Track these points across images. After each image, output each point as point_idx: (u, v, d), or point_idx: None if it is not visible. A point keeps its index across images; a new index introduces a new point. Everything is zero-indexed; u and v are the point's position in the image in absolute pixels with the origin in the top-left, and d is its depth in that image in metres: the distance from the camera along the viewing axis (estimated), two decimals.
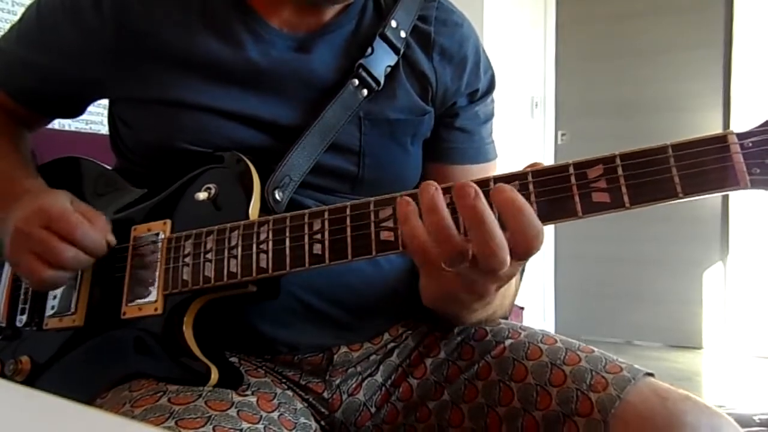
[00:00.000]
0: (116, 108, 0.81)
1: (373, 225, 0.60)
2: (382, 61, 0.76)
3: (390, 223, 0.59)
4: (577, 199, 0.54)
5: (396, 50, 0.77)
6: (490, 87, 0.86)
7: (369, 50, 0.75)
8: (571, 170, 0.54)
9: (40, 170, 0.86)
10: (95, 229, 0.69)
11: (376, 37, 0.76)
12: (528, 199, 0.54)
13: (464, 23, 0.84)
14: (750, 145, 0.51)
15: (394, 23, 0.77)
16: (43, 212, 0.68)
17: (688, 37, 3.63)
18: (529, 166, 0.57)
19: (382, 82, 0.76)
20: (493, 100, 0.87)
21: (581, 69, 3.93)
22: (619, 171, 0.53)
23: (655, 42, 3.71)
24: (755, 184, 0.50)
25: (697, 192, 0.51)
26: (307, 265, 0.61)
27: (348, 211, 0.61)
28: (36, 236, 0.67)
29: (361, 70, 0.75)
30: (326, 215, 0.62)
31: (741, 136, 0.51)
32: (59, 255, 0.67)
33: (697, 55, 3.61)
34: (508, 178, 0.56)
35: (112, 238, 0.71)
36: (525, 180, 0.55)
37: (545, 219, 0.54)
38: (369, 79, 0.75)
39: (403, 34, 0.78)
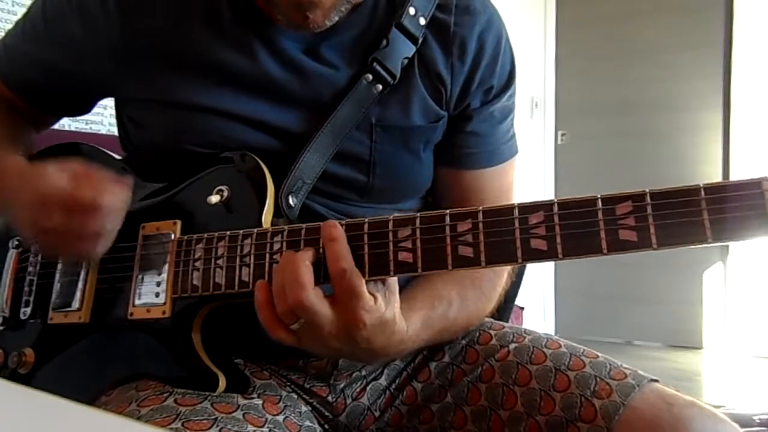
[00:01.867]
0: (125, 108, 0.80)
1: (391, 244, 0.58)
2: (398, 53, 0.72)
3: (408, 244, 0.57)
4: (603, 234, 0.52)
5: (414, 40, 0.73)
6: (508, 83, 0.80)
7: (384, 42, 0.72)
8: (599, 205, 0.53)
9: (44, 153, 0.83)
10: (114, 188, 0.65)
11: (392, 27, 0.72)
12: (552, 231, 0.53)
13: (486, 10, 0.78)
14: None
15: (412, 10, 0.73)
16: (53, 195, 0.63)
17: (688, 37, 3.63)
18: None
19: (398, 75, 0.72)
20: (512, 95, 0.82)
21: (581, 69, 3.93)
22: (649, 210, 0.51)
23: (655, 42, 3.71)
24: None
25: (727, 239, 0.50)
26: (321, 281, 0.59)
27: (366, 228, 0.59)
28: (62, 223, 0.63)
29: (375, 64, 0.71)
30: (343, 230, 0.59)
31: None
32: (95, 228, 0.64)
33: (697, 55, 3.61)
34: (533, 208, 0.55)
35: (128, 178, 0.68)
36: (550, 212, 0.54)
37: (569, 254, 0.53)
38: (384, 73, 0.72)
39: (422, 21, 0.73)
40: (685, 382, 2.90)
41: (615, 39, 3.84)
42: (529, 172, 3.77)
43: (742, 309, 3.48)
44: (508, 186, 0.83)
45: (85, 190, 0.63)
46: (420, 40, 0.74)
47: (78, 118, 0.91)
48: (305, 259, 0.58)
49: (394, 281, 0.60)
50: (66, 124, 1.80)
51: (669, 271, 3.66)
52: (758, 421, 1.98)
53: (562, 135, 3.98)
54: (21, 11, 1.79)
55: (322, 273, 0.59)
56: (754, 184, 0.49)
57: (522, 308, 2.92)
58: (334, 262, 0.57)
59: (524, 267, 1.08)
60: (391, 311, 0.60)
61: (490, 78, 0.78)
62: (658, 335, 3.70)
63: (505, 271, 0.80)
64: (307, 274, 0.57)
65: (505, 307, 1.02)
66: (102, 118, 1.95)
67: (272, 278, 0.59)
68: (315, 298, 0.57)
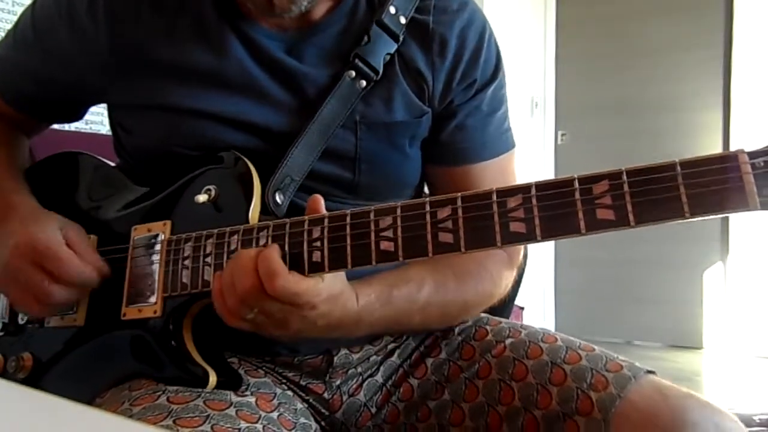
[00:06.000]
0: (115, 114, 0.81)
1: (373, 234, 0.58)
2: (380, 49, 0.74)
3: (390, 233, 0.58)
4: (580, 215, 0.52)
5: (395, 37, 0.74)
6: (494, 76, 0.80)
7: (365, 39, 0.73)
8: (576, 185, 0.53)
9: (41, 166, 0.86)
10: (85, 263, 0.70)
11: (373, 24, 0.74)
12: (530, 213, 0.53)
13: (466, 8, 0.79)
14: (762, 164, 0.48)
15: (392, 9, 0.74)
16: (32, 248, 0.69)
17: (688, 37, 3.63)
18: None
19: (380, 71, 0.73)
20: (499, 89, 0.81)
21: (581, 69, 3.93)
22: (625, 188, 0.51)
23: (655, 42, 3.70)
24: (765, 206, 0.48)
25: (705, 213, 0.49)
26: (306, 272, 0.60)
27: (348, 219, 0.60)
28: (28, 275, 0.69)
29: (357, 60, 0.72)
30: (326, 222, 0.61)
31: (752, 155, 0.49)
32: (51, 297, 0.69)
33: (697, 55, 3.61)
34: (511, 191, 0.55)
35: (104, 267, 0.71)
36: (528, 194, 0.54)
37: (547, 235, 0.53)
38: (366, 69, 0.73)
39: (403, 20, 0.75)
40: (685, 382, 2.86)
41: (615, 39, 3.83)
42: (529, 172, 3.78)
43: (742, 309, 3.47)
44: (507, 181, 0.82)
45: (62, 255, 0.69)
46: (401, 38, 0.75)
47: None
48: (253, 255, 0.60)
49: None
50: (66, 124, 1.80)
51: (669, 271, 3.66)
52: (758, 421, 1.98)
53: (562, 135, 3.98)
54: (21, 11, 1.79)
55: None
56: (731, 157, 0.49)
57: (522, 308, 2.92)
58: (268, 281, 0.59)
59: (524, 267, 1.07)
60: (338, 285, 0.63)
61: (472, 72, 0.78)
62: (658, 335, 3.69)
63: (499, 269, 0.80)
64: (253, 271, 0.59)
65: (505, 307, 1.02)
66: (102, 118, 1.95)
67: (223, 275, 0.62)
68: (262, 294, 0.59)
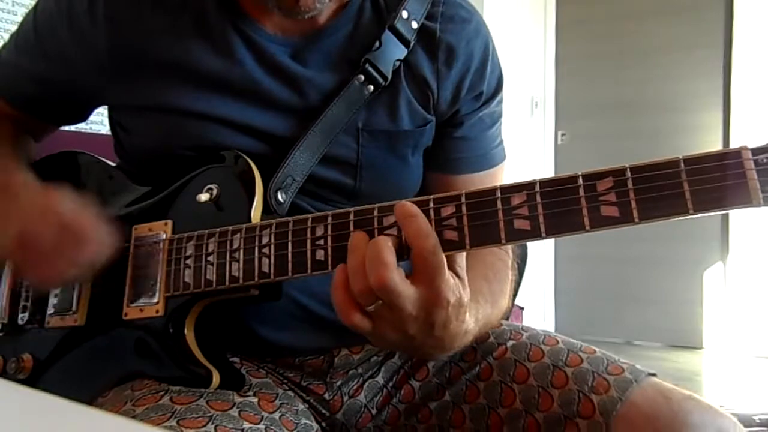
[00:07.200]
0: (115, 114, 0.81)
1: (377, 232, 0.58)
2: (390, 55, 0.73)
3: (394, 231, 0.57)
4: (585, 212, 0.52)
5: (406, 43, 0.74)
6: (498, 89, 0.81)
7: (376, 44, 0.73)
8: (580, 182, 0.53)
9: (40, 164, 0.86)
10: (109, 233, 0.67)
11: (385, 29, 0.73)
12: (535, 210, 0.53)
13: (473, 18, 0.80)
14: (765, 161, 0.48)
15: (405, 14, 0.74)
16: (54, 214, 0.66)
17: (688, 37, 3.63)
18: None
19: (389, 77, 0.73)
20: (500, 102, 0.83)
21: (581, 69, 3.93)
22: (629, 184, 0.51)
23: (655, 42, 3.71)
24: None
25: (709, 209, 0.49)
26: (309, 271, 0.60)
27: (351, 217, 0.59)
28: (49, 239, 0.65)
29: (367, 65, 0.72)
30: (329, 220, 0.60)
31: (755, 152, 0.49)
32: (74, 259, 0.66)
33: (697, 55, 3.61)
34: (515, 189, 0.55)
35: (120, 238, 0.70)
36: (532, 191, 0.54)
37: (552, 232, 0.53)
38: (376, 75, 0.72)
39: (414, 25, 0.74)
40: (685, 382, 2.89)
41: (615, 39, 3.84)
42: (529, 172, 3.77)
43: (742, 309, 3.47)
44: None
45: (85, 221, 0.66)
46: (412, 44, 0.74)
47: None
48: (387, 241, 0.55)
49: (463, 262, 0.58)
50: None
51: (669, 271, 3.66)
52: (758, 421, 1.98)
53: (562, 135, 3.98)
54: (21, 11, 1.79)
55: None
56: (734, 154, 0.49)
57: (522, 308, 2.92)
58: (419, 238, 0.54)
59: (524, 266, 1.07)
60: (467, 294, 0.58)
61: (479, 84, 0.78)
62: (658, 335, 3.70)
63: (509, 261, 0.80)
64: (390, 254, 0.54)
65: None
66: (102, 118, 1.95)
67: (348, 259, 0.56)
68: (399, 278, 0.54)
